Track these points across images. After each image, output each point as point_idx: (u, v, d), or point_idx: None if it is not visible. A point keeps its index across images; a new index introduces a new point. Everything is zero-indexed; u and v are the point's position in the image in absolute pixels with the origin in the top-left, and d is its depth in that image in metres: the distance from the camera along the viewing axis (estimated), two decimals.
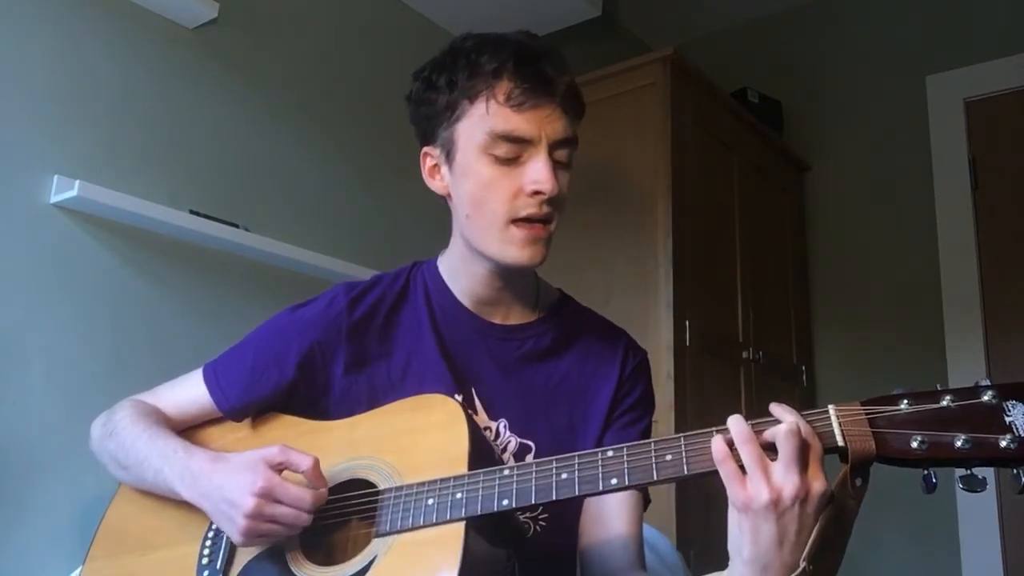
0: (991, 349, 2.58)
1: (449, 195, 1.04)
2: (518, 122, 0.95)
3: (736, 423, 0.77)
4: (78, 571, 1.06)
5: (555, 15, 2.48)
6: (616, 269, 2.26)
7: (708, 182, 2.43)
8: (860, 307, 2.86)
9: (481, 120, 0.96)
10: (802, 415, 0.77)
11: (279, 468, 0.91)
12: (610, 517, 1.03)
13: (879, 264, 2.84)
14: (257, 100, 1.95)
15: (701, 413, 2.16)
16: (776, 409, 0.78)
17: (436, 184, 1.05)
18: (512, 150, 0.96)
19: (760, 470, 0.74)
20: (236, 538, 0.90)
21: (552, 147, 0.97)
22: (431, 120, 1.02)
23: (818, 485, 0.74)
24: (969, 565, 2.48)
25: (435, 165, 1.05)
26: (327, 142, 2.11)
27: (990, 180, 2.69)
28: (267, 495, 0.88)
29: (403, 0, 2.38)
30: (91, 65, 1.64)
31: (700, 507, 2.10)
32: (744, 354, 2.44)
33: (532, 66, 0.96)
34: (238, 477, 0.90)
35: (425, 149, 1.05)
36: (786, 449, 0.74)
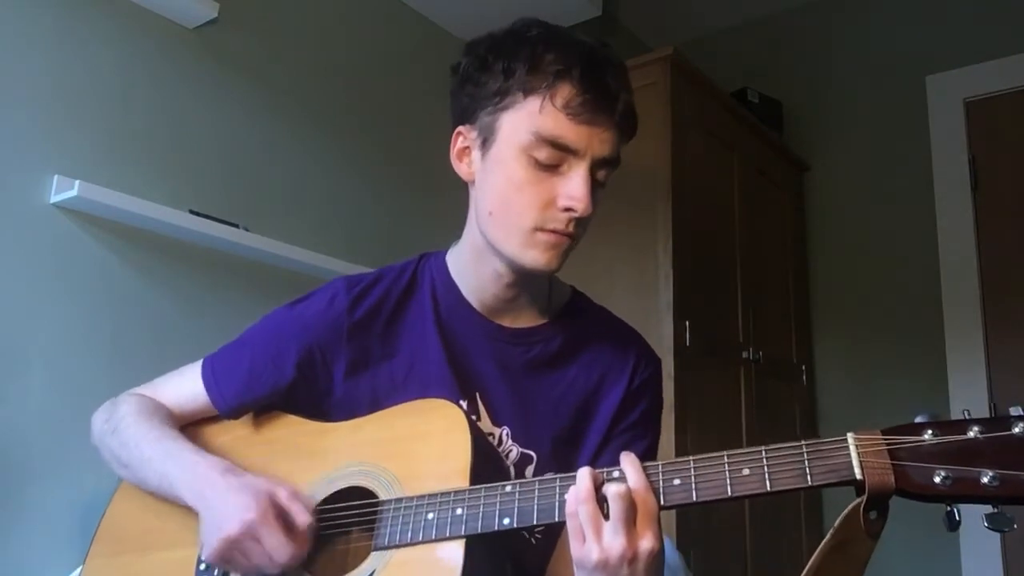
0: (991, 349, 2.58)
1: (473, 182, 0.99)
2: (569, 131, 0.89)
3: (581, 478, 0.79)
4: (79, 570, 1.06)
5: (555, 15, 2.44)
6: (616, 269, 2.26)
7: (708, 182, 2.43)
8: (860, 307, 2.86)
9: (530, 117, 0.90)
10: (818, 442, 0.74)
11: (278, 509, 0.88)
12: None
13: (879, 264, 2.84)
14: (257, 100, 1.95)
15: (701, 413, 2.16)
16: (623, 461, 0.80)
17: (462, 168, 0.99)
18: (554, 157, 0.90)
19: (593, 530, 0.77)
20: (207, 554, 0.89)
21: (595, 165, 0.91)
22: (474, 100, 0.95)
23: (646, 544, 0.76)
24: (969, 563, 2.48)
25: (466, 147, 0.98)
26: (327, 142, 2.11)
27: (990, 180, 2.69)
28: (251, 529, 0.86)
29: (403, 0, 2.38)
30: (91, 65, 1.64)
31: (700, 508, 2.09)
32: (744, 354, 2.44)
33: (598, 77, 0.90)
34: (238, 498, 0.88)
35: (460, 128, 0.98)
36: (615, 511, 0.76)
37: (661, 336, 2.12)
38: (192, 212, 1.73)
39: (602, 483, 0.79)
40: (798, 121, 3.05)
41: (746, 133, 2.68)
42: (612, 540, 0.76)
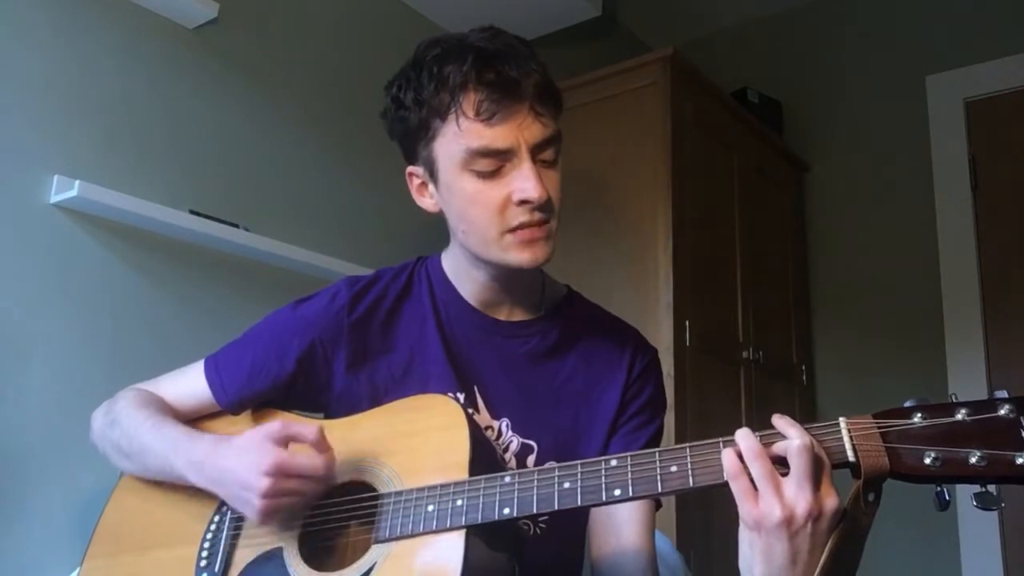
0: (991, 348, 2.58)
1: (441, 211, 1.04)
2: (492, 136, 0.92)
3: (745, 437, 0.75)
4: (77, 571, 1.06)
5: (555, 15, 2.48)
6: (616, 269, 2.26)
7: (708, 182, 2.43)
8: (860, 307, 2.86)
9: (455, 138, 0.94)
10: (811, 427, 0.75)
11: (284, 442, 0.91)
12: (621, 525, 1.01)
13: (879, 264, 2.84)
14: (257, 100, 1.95)
15: (701, 413, 2.16)
16: (780, 422, 0.76)
17: (426, 202, 1.04)
18: (493, 163, 0.93)
19: (772, 487, 0.72)
20: (256, 518, 0.90)
21: (534, 151, 0.94)
22: (408, 138, 1.01)
23: (831, 502, 0.72)
24: (969, 564, 2.48)
25: (422, 183, 1.03)
26: (327, 142, 2.11)
27: (990, 180, 2.69)
28: (279, 471, 0.87)
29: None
30: (91, 65, 1.64)
31: (700, 507, 2.09)
32: (744, 354, 2.44)
33: (494, 70, 0.92)
34: (246, 458, 0.89)
35: (409, 169, 1.04)
36: (799, 465, 0.72)
37: (661, 336, 2.12)
38: (192, 212, 1.73)
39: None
40: (798, 121, 3.05)
41: (746, 133, 2.68)
42: (797, 496, 0.71)
